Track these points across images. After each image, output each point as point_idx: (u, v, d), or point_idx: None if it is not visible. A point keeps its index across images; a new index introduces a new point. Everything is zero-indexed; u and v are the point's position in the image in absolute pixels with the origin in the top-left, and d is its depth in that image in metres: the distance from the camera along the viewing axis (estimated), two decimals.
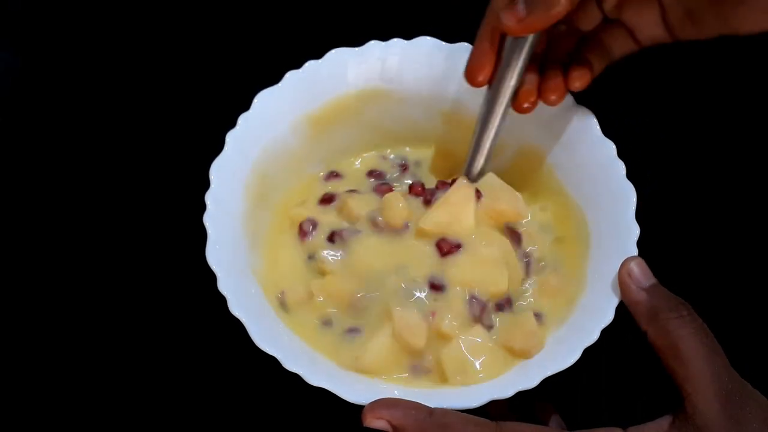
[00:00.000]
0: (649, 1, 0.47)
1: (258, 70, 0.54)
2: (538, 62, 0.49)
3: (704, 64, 0.65)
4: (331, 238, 0.50)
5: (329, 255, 0.50)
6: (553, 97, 0.49)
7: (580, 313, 0.46)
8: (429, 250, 0.49)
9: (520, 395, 0.42)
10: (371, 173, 0.56)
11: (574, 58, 0.49)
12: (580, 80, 0.49)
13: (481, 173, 0.52)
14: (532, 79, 0.49)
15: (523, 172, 0.54)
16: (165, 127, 0.63)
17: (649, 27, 0.48)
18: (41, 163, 0.61)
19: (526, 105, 0.49)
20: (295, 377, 0.42)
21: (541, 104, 0.50)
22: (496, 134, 0.50)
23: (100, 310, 0.55)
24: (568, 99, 0.51)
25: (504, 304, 0.48)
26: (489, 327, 0.47)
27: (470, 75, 0.48)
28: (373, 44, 0.54)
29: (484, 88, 0.50)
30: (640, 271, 0.44)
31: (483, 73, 0.48)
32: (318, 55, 0.53)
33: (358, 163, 0.56)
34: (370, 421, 0.40)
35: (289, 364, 0.42)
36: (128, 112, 0.64)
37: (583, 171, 0.51)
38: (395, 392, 0.44)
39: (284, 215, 0.53)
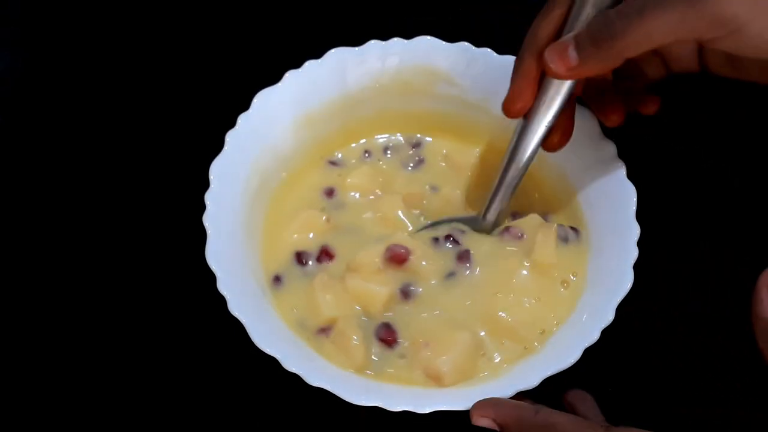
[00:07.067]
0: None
1: (258, 70, 0.54)
2: (573, 99, 0.47)
3: None
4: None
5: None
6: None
7: (580, 313, 0.46)
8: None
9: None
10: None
11: (608, 90, 0.48)
12: (616, 114, 0.47)
13: (500, 211, 0.50)
14: (567, 123, 0.47)
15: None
16: (165, 127, 0.63)
17: (684, 61, 0.47)
18: (42, 163, 0.61)
19: (556, 145, 0.48)
20: (295, 377, 0.42)
21: None
22: (524, 170, 0.48)
23: (100, 310, 0.55)
24: None
25: None
26: None
27: (507, 105, 0.46)
28: (373, 44, 0.54)
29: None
30: None
31: (521, 105, 0.46)
32: (318, 55, 0.53)
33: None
34: (477, 420, 0.41)
35: (289, 365, 0.42)
36: (128, 112, 0.64)
37: (584, 171, 0.51)
38: (394, 392, 0.44)
39: (284, 215, 0.53)
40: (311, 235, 0.52)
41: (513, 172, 0.48)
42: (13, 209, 0.59)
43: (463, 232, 0.50)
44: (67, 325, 0.54)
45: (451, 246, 0.50)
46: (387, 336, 0.47)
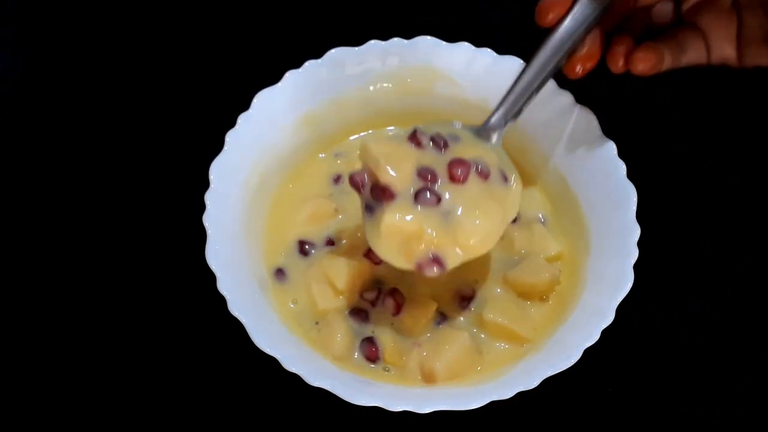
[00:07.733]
0: (728, 12, 0.47)
1: (258, 70, 0.54)
2: (603, 35, 0.48)
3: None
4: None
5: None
6: (620, 63, 0.48)
7: (580, 314, 0.46)
8: None
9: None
10: None
11: (648, 43, 0.48)
12: (644, 62, 0.47)
13: (512, 117, 0.49)
14: (593, 46, 0.48)
15: (523, 172, 0.54)
16: (165, 127, 0.63)
17: (722, 40, 0.48)
18: (42, 163, 0.61)
19: (578, 69, 0.48)
20: (295, 377, 0.42)
21: (541, 104, 0.50)
22: (540, 86, 0.48)
23: (100, 310, 0.55)
24: (569, 98, 0.51)
25: None
26: None
27: (541, 12, 0.47)
28: (373, 44, 0.54)
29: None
30: None
31: (554, 13, 0.47)
32: (318, 55, 0.53)
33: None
34: None
35: (289, 365, 0.42)
36: (129, 112, 0.64)
37: (584, 170, 0.51)
38: (394, 392, 0.44)
39: (288, 210, 0.53)
40: (318, 225, 0.52)
41: (529, 80, 0.48)
42: (13, 209, 0.59)
43: (458, 138, 0.48)
44: (67, 325, 0.54)
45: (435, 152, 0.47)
46: (369, 352, 0.48)
